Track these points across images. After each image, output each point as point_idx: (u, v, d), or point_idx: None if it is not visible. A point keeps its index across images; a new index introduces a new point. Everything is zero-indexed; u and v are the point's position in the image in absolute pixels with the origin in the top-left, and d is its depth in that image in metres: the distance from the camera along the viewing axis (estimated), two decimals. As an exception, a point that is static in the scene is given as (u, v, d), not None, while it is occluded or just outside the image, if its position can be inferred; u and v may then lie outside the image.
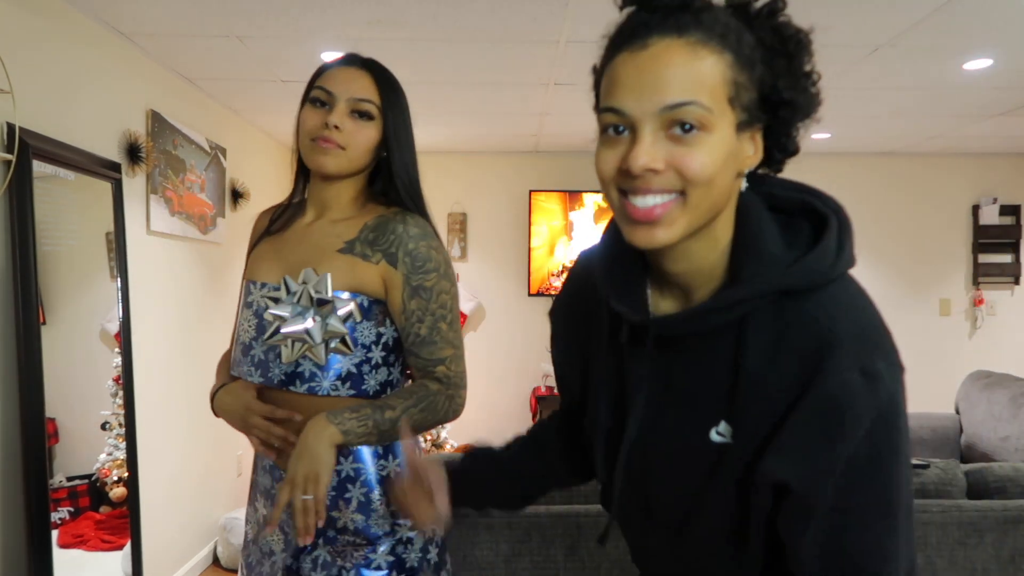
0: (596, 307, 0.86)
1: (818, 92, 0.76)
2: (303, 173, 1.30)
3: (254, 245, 1.31)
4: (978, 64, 2.97)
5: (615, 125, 0.73)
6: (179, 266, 3.19)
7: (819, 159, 4.95)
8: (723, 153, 0.70)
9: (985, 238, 4.93)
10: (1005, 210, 4.92)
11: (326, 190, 1.27)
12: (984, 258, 4.95)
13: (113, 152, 2.63)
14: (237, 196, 3.82)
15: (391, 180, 1.26)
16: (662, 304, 0.80)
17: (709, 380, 0.75)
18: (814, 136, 4.34)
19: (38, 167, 2.15)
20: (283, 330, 1.18)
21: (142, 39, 2.71)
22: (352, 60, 1.25)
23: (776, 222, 0.77)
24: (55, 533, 2.15)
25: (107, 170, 2.53)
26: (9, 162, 2.03)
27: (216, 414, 1.30)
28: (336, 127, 1.19)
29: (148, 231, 2.89)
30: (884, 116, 3.87)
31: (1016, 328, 4.99)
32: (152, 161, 2.86)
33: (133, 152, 2.73)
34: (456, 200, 4.96)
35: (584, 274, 0.89)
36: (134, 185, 2.78)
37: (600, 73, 0.81)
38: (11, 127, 2.02)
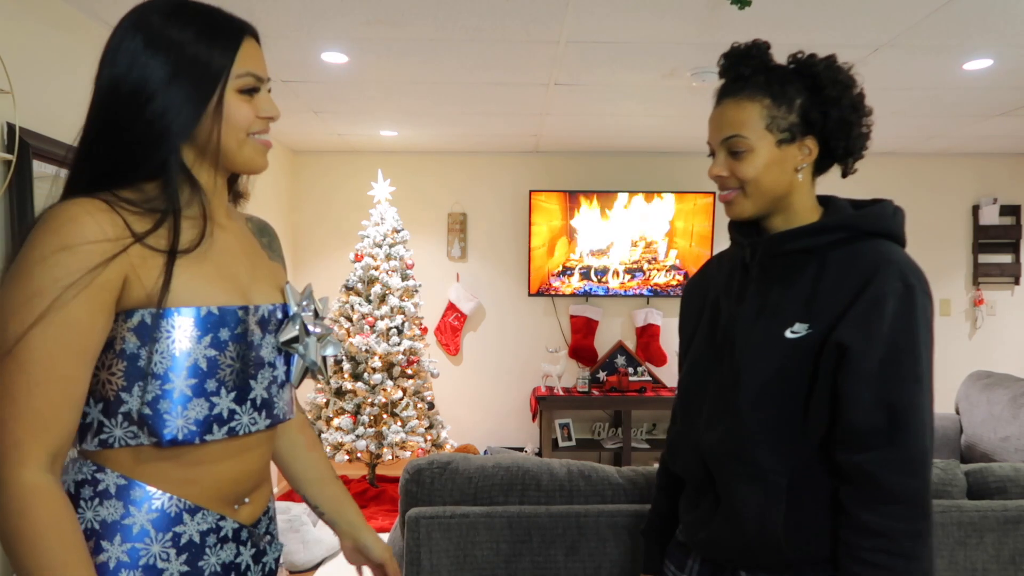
0: (714, 279, 1.30)
1: (858, 108, 1.14)
2: (186, 173, 0.95)
3: (171, 266, 0.89)
4: (978, 64, 2.97)
5: (711, 151, 1.20)
6: (179, 266, 3.18)
7: (819, 159, 4.95)
8: (764, 162, 1.14)
9: (985, 238, 4.93)
10: (1005, 210, 4.93)
11: (221, 192, 1.02)
12: (984, 258, 4.96)
13: (113, 152, 2.63)
14: (237, 196, 3.81)
15: (236, 178, 1.10)
16: None
17: (792, 295, 1.13)
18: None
19: (38, 167, 2.15)
20: (323, 355, 1.04)
21: (142, 39, 2.71)
22: (251, 28, 1.01)
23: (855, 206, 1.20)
24: (55, 533, 2.15)
25: (107, 170, 2.53)
26: (9, 162, 2.03)
27: None
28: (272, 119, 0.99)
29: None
30: (884, 116, 3.87)
31: (1016, 328, 5.00)
32: (152, 161, 2.86)
33: (133, 152, 2.73)
34: (456, 200, 4.97)
35: (709, 266, 1.36)
36: (134, 185, 2.78)
37: None
38: (11, 127, 2.02)
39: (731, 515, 1.15)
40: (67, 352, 0.83)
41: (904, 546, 1.02)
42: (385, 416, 4.20)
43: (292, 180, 4.94)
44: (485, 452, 4.61)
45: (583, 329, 4.85)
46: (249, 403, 0.95)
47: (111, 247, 0.84)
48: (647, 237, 4.75)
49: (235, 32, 0.96)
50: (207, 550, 0.93)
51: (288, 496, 4.38)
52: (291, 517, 3.45)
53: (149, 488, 0.89)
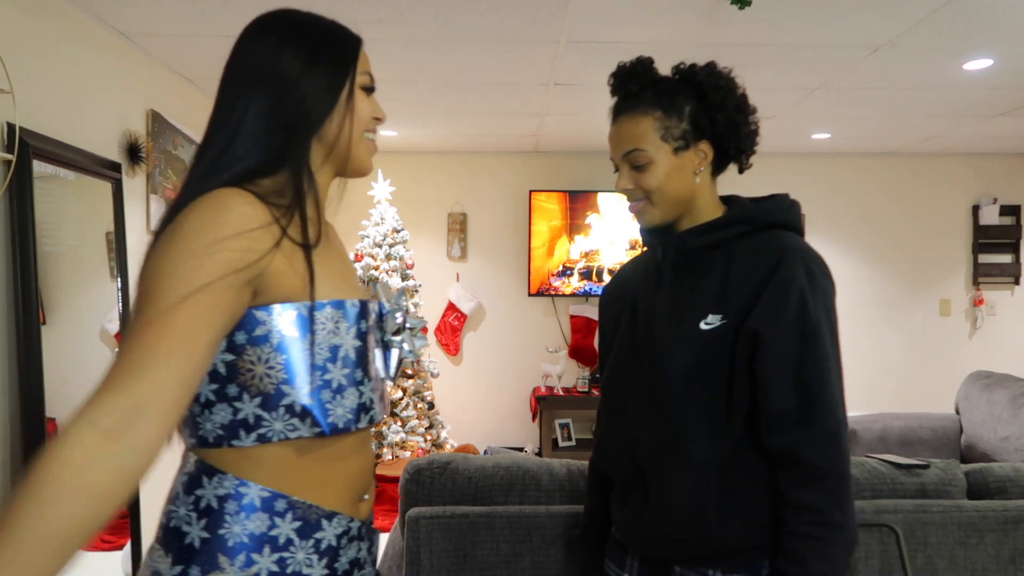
0: (630, 283, 1.36)
1: (740, 109, 1.22)
2: (308, 170, 0.98)
3: (310, 259, 0.92)
4: (978, 64, 2.97)
5: (615, 167, 1.27)
6: (179, 266, 3.18)
7: (819, 159, 4.95)
8: (665, 171, 1.21)
9: (985, 238, 4.93)
10: (1005, 210, 4.93)
11: (328, 194, 1.06)
12: (984, 258, 4.96)
13: (113, 152, 2.63)
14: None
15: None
16: None
17: (703, 290, 1.20)
18: (814, 136, 4.35)
19: (38, 167, 2.15)
20: (415, 348, 1.07)
21: (142, 39, 2.71)
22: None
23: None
24: (55, 533, 2.15)
25: (107, 170, 2.53)
26: (9, 162, 2.03)
27: None
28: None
29: (148, 231, 2.89)
30: (884, 116, 3.87)
31: (1016, 328, 4.99)
32: (152, 161, 2.87)
33: (133, 152, 2.73)
34: (456, 200, 4.96)
35: (624, 271, 1.43)
36: (134, 185, 2.78)
37: None
38: (11, 127, 2.02)
39: (663, 507, 1.19)
40: (211, 336, 0.83)
41: (835, 517, 1.09)
42: (385, 416, 4.20)
43: (292, 180, 4.93)
44: (485, 452, 4.61)
45: (583, 329, 4.85)
46: (378, 394, 1.00)
47: (269, 236, 0.86)
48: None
49: (355, 35, 1.01)
50: (340, 551, 0.96)
51: (288, 496, 4.37)
52: (291, 517, 3.45)
53: (292, 497, 0.91)
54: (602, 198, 4.74)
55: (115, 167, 2.58)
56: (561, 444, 4.66)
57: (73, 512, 0.72)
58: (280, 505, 0.90)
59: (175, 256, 0.82)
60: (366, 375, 0.96)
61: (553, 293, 4.78)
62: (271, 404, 0.89)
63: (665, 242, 1.26)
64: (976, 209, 4.95)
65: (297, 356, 0.89)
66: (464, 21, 2.52)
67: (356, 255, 4.36)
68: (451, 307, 4.91)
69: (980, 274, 4.94)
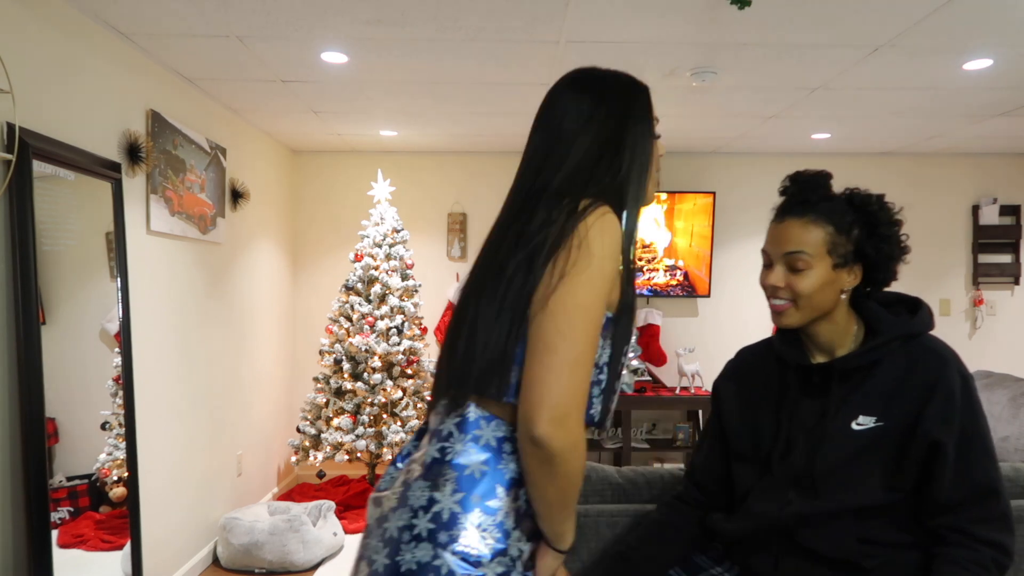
0: (763, 374, 1.44)
1: (901, 246, 1.33)
2: None
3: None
4: (978, 64, 2.97)
5: (766, 261, 1.37)
6: (179, 266, 3.19)
7: (819, 159, 4.95)
8: (820, 281, 1.30)
9: (985, 238, 4.93)
10: (1005, 210, 4.93)
11: None
12: (984, 258, 4.96)
13: (113, 152, 2.63)
14: (237, 196, 3.82)
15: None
16: (818, 357, 1.40)
17: (852, 394, 1.31)
18: (814, 136, 4.34)
19: (38, 167, 2.15)
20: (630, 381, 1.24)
21: (142, 39, 2.71)
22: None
23: (882, 307, 1.39)
24: (55, 533, 2.15)
25: (107, 170, 2.53)
26: (9, 162, 2.03)
27: None
28: None
29: (148, 231, 2.89)
30: (884, 116, 3.87)
31: (1016, 328, 4.99)
32: (152, 161, 2.86)
33: (133, 152, 2.73)
34: (456, 200, 4.96)
35: (747, 359, 1.51)
36: (134, 185, 2.78)
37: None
38: (11, 127, 2.02)
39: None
40: (596, 341, 1.03)
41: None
42: (385, 416, 4.20)
43: (292, 180, 4.93)
44: (485, 452, 4.59)
45: (583, 329, 4.85)
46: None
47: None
48: (647, 237, 4.75)
49: (644, 85, 1.25)
50: None
51: (288, 496, 4.38)
52: (291, 517, 3.45)
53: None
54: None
55: (115, 167, 2.58)
56: (561, 444, 4.65)
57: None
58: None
59: (597, 276, 1.02)
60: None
61: (553, 293, 4.77)
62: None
63: (824, 366, 1.35)
64: (976, 209, 4.95)
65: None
66: (464, 21, 2.52)
67: (356, 255, 4.36)
68: (451, 307, 4.91)
69: (980, 274, 4.94)
